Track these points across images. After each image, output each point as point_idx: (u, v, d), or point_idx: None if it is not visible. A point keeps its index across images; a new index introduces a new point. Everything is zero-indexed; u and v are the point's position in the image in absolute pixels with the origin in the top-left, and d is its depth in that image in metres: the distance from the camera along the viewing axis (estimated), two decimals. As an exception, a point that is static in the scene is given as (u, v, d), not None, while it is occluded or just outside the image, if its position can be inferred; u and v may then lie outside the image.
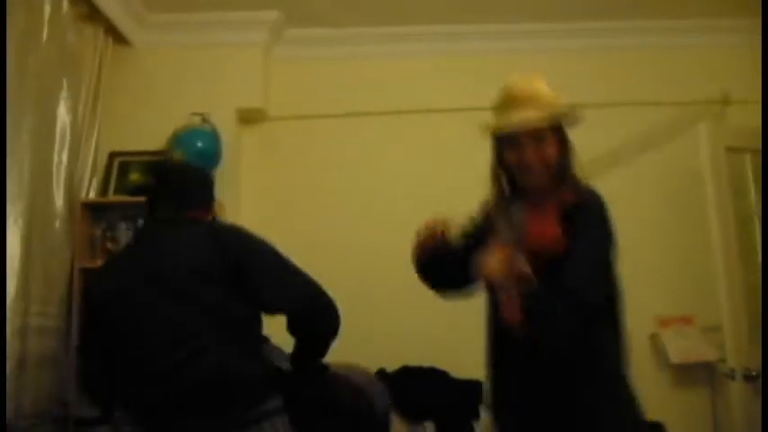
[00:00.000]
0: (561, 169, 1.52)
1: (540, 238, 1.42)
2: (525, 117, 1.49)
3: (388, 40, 3.37)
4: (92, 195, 2.87)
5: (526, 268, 1.33)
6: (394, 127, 3.33)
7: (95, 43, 2.91)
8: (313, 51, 3.37)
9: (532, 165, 1.51)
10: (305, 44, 3.35)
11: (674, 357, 3.05)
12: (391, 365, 2.99)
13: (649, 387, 3.06)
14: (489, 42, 3.34)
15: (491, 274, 1.37)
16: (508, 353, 1.55)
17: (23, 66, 2.34)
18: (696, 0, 3.14)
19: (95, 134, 2.91)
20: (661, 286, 3.17)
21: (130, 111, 3.07)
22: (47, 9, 2.51)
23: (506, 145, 1.55)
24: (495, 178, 1.62)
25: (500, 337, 1.56)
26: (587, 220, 1.45)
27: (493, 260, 1.37)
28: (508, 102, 1.54)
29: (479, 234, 1.56)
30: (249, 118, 3.25)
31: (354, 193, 3.26)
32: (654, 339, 3.16)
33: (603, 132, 2.85)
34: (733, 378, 2.49)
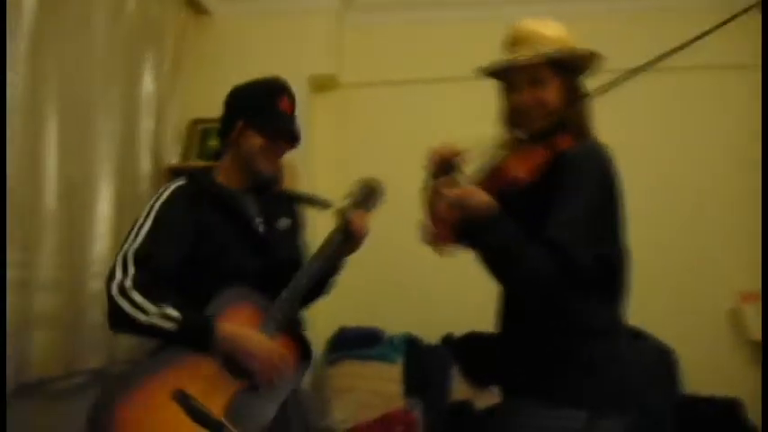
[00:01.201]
0: (564, 116, 1.39)
1: (500, 168, 1.35)
2: (516, 56, 1.41)
3: (462, 6, 3.32)
4: (175, 161, 3.02)
5: (468, 192, 1.31)
6: (469, 93, 3.27)
7: (177, 13, 3.02)
8: (386, 17, 3.37)
9: (527, 107, 1.41)
10: (377, 10, 3.35)
11: (756, 334, 2.93)
12: (458, 332, 3.03)
13: (726, 363, 3.00)
14: (563, 4, 3.22)
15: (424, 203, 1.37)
16: (502, 309, 1.54)
17: (113, 36, 2.47)
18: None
19: (177, 102, 3.04)
20: (744, 259, 3.04)
21: (210, 78, 3.17)
22: (132, -19, 2.63)
23: (507, 89, 1.48)
24: (503, 125, 1.52)
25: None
26: (580, 171, 1.31)
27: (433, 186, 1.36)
28: (507, 42, 1.47)
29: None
30: (322, 84, 3.30)
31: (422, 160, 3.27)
32: (733, 314, 3.04)
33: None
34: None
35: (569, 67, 1.43)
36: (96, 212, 2.37)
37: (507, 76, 1.46)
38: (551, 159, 1.33)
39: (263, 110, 1.66)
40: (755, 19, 3.05)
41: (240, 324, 1.47)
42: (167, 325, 1.39)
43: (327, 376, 2.87)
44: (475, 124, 3.17)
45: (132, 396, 1.35)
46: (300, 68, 3.16)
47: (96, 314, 2.30)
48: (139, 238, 1.51)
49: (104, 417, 1.32)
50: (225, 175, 1.70)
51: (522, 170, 1.31)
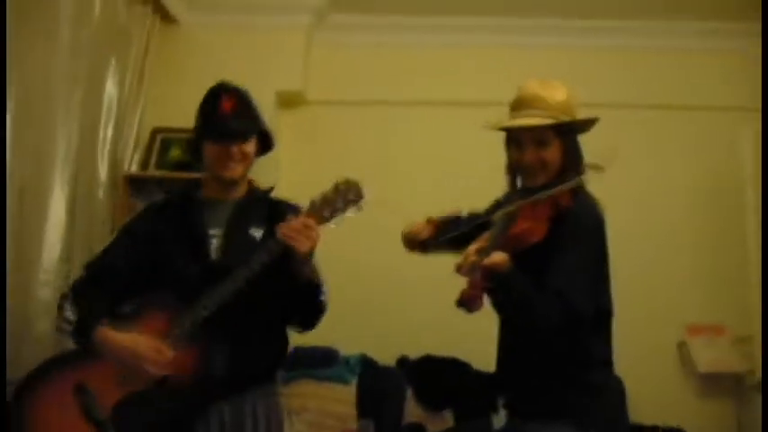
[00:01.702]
0: (563, 174, 1.55)
1: (520, 233, 1.46)
2: (526, 120, 1.55)
3: (430, 31, 3.38)
4: (133, 169, 2.96)
5: (499, 257, 1.40)
6: (433, 118, 3.34)
7: (144, 21, 2.99)
8: (355, 38, 3.39)
9: (530, 165, 1.56)
10: (347, 30, 3.37)
11: (702, 367, 3.01)
12: (413, 354, 3.03)
13: (674, 394, 3.08)
14: (534, 37, 3.31)
15: (458, 268, 1.43)
16: (505, 337, 1.68)
17: (77, 40, 2.42)
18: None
19: (139, 110, 2.99)
20: (691, 294, 3.14)
21: (174, 88, 3.14)
22: (100, -15, 2.59)
23: (512, 144, 1.62)
24: (507, 176, 1.69)
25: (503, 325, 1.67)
26: (580, 228, 1.49)
27: (464, 255, 1.43)
28: (518, 103, 1.60)
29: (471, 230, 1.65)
30: (288, 101, 3.30)
31: (388, 181, 3.29)
32: (681, 347, 3.12)
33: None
34: (760, 390, 2.46)
35: (571, 130, 1.59)
36: (48, 218, 2.30)
37: (513, 132, 1.61)
38: (554, 214, 1.49)
39: (207, 117, 1.68)
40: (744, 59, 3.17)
41: (147, 327, 1.53)
42: (67, 328, 1.55)
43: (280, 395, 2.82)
44: (436, 148, 3.28)
45: (42, 388, 1.53)
46: (268, 84, 3.14)
47: (43, 324, 2.23)
48: (101, 250, 1.69)
49: (24, 399, 1.50)
50: (206, 187, 1.75)
51: (535, 235, 1.45)
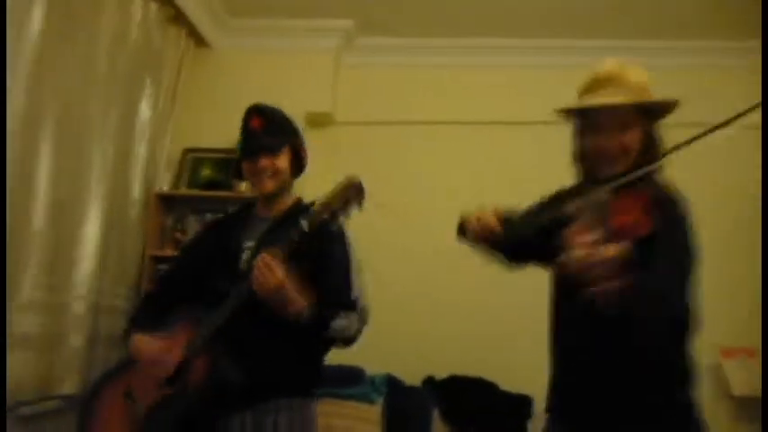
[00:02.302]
0: (642, 162, 1.36)
1: (625, 225, 1.27)
2: (610, 99, 1.38)
3: (455, 53, 3.43)
4: (165, 188, 3.03)
5: (620, 249, 1.17)
6: (458, 137, 3.36)
7: (178, 44, 3.09)
8: (382, 60, 3.45)
9: (612, 152, 1.39)
10: (375, 52, 3.44)
11: (737, 389, 2.93)
12: (439, 373, 3.01)
13: (708, 417, 2.99)
14: (555, 57, 3.33)
15: (576, 260, 1.19)
16: (580, 340, 1.42)
17: (114, 63, 2.51)
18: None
19: (171, 130, 3.07)
20: (725, 316, 3.06)
21: (206, 109, 3.23)
22: (137, 12, 2.69)
23: (587, 129, 1.44)
24: (577, 166, 1.51)
25: (572, 324, 1.45)
26: (678, 220, 1.33)
27: (579, 250, 1.20)
28: (593, 83, 1.44)
29: (548, 224, 1.41)
30: (317, 121, 3.35)
31: (414, 199, 3.31)
32: (715, 370, 3.05)
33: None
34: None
35: (651, 114, 1.43)
36: (83, 235, 2.37)
37: (589, 117, 1.43)
38: (650, 202, 1.31)
39: (242, 136, 1.76)
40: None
41: (175, 337, 1.62)
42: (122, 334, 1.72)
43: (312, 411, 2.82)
44: (461, 167, 3.30)
45: (103, 394, 1.67)
46: (297, 105, 3.19)
47: (77, 338, 2.28)
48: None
49: (84, 412, 1.65)
50: (258, 205, 1.83)
51: (643, 227, 1.27)
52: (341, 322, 1.59)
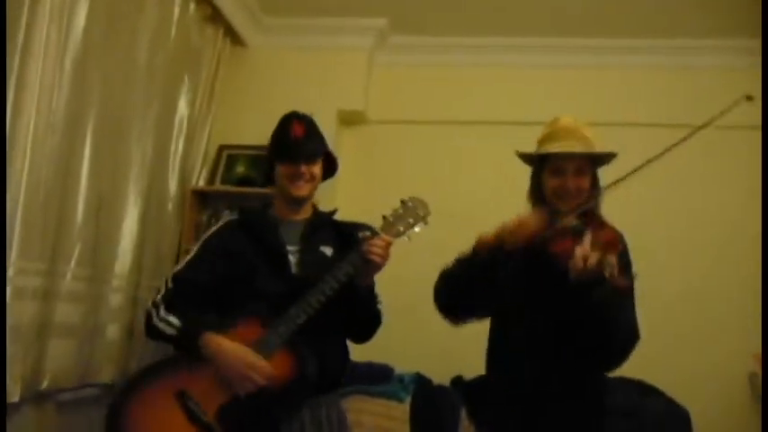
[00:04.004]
0: (590, 203, 1.66)
1: (611, 239, 1.53)
2: (578, 146, 1.65)
3: (488, 51, 3.40)
4: (201, 184, 3.09)
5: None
6: (492, 137, 3.34)
7: (215, 43, 3.13)
8: (415, 58, 3.45)
9: (571, 192, 1.67)
10: (407, 51, 3.43)
11: (774, 398, 2.86)
12: (468, 373, 3.00)
13: (745, 426, 2.92)
14: (585, 57, 3.30)
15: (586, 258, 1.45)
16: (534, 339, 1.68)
17: (154, 61, 2.57)
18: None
19: (208, 127, 3.12)
20: (758, 322, 2.99)
21: (241, 107, 3.27)
22: (176, 10, 2.74)
23: (550, 171, 1.70)
24: (533, 200, 1.78)
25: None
26: (627, 258, 1.60)
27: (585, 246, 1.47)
28: (556, 134, 1.70)
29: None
30: (350, 120, 3.37)
31: (445, 199, 3.28)
32: (752, 378, 2.97)
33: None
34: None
35: (597, 163, 1.72)
36: (122, 229, 2.43)
37: (552, 161, 1.70)
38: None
39: (280, 141, 1.83)
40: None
41: (243, 336, 1.62)
42: (169, 331, 1.66)
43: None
44: (493, 167, 3.27)
45: (144, 393, 1.61)
46: (330, 103, 3.23)
47: (114, 329, 2.34)
48: (182, 264, 1.79)
49: (120, 410, 1.58)
50: (277, 208, 1.88)
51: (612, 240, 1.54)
52: (380, 307, 1.82)
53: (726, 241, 3.12)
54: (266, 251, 1.76)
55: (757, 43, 2.98)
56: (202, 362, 1.60)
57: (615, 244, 1.50)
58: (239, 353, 1.58)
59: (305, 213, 1.86)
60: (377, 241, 1.66)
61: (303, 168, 1.77)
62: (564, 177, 1.67)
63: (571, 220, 1.61)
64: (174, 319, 1.66)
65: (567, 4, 3.03)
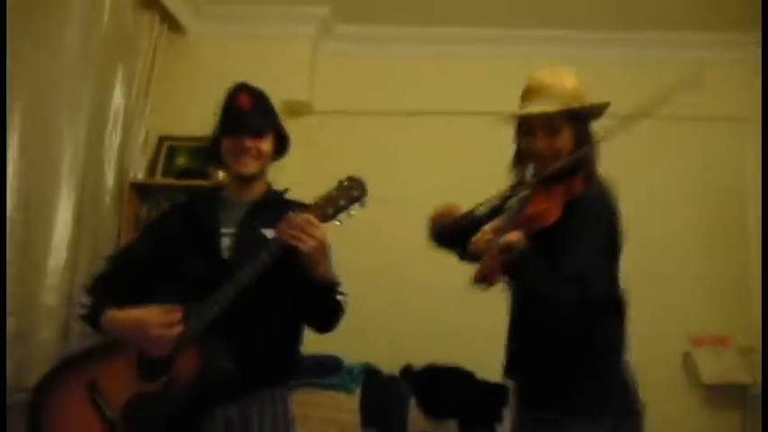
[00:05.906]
0: (575, 161, 1.52)
1: (535, 214, 1.47)
2: (537, 108, 1.53)
3: (434, 42, 3.41)
4: (140, 176, 2.97)
5: (514, 236, 1.41)
6: (436, 127, 3.36)
7: (151, 30, 3.01)
8: (360, 48, 3.42)
9: (542, 153, 1.56)
10: (352, 41, 3.40)
11: (707, 378, 3.00)
12: (417, 362, 3.02)
13: (679, 406, 3.06)
14: (536, 47, 3.32)
15: (474, 245, 1.47)
16: (516, 324, 1.66)
17: (85, 47, 2.44)
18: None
19: (146, 118, 3.00)
20: (696, 304, 3.12)
21: (181, 97, 3.17)
22: (108, -6, 2.62)
23: (523, 133, 1.61)
24: (515, 164, 1.69)
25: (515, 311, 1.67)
26: (592, 213, 1.48)
27: (481, 233, 1.47)
28: (528, 92, 1.60)
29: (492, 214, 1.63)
30: (294, 110, 3.31)
31: (392, 189, 3.29)
32: (686, 358, 3.11)
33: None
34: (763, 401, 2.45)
35: (581, 117, 1.57)
36: (55, 224, 2.31)
37: (524, 122, 1.59)
38: (568, 201, 1.48)
39: (225, 114, 1.71)
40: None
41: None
42: (80, 311, 1.61)
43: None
44: (439, 158, 3.29)
45: (66, 383, 1.55)
46: (274, 93, 3.13)
47: (49, 330, 2.23)
48: (125, 246, 1.76)
49: (40, 401, 1.53)
50: (227, 189, 1.78)
51: (551, 215, 1.46)
52: (343, 297, 1.65)
53: (673, 222, 3.21)
54: (196, 232, 1.66)
55: (750, 36, 3.03)
56: (120, 348, 1.53)
57: (537, 218, 1.46)
58: (135, 317, 1.48)
59: (254, 194, 1.73)
60: (294, 220, 1.49)
61: (249, 143, 1.64)
62: (533, 138, 1.57)
63: (529, 186, 1.58)
64: (86, 300, 1.59)
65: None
